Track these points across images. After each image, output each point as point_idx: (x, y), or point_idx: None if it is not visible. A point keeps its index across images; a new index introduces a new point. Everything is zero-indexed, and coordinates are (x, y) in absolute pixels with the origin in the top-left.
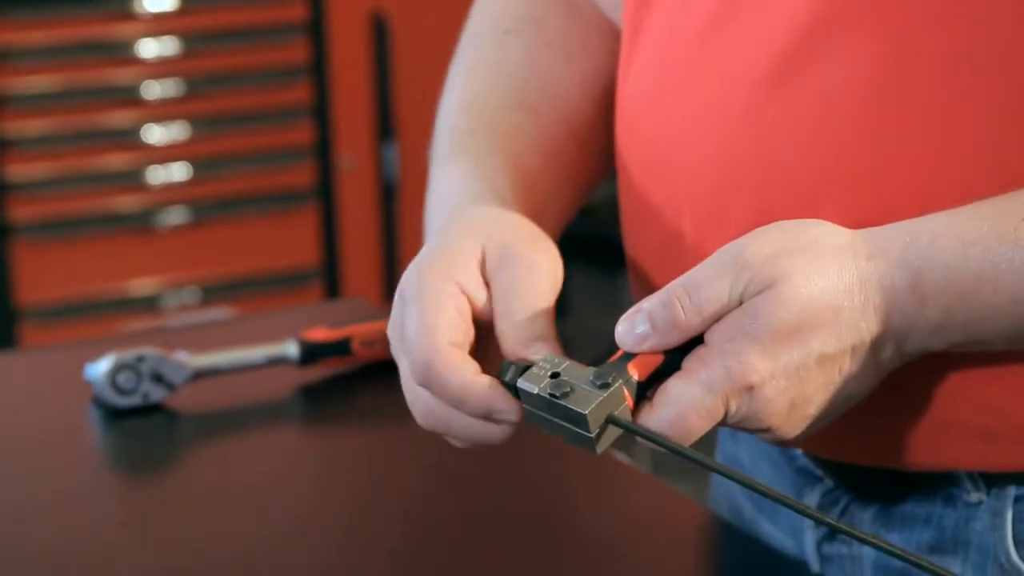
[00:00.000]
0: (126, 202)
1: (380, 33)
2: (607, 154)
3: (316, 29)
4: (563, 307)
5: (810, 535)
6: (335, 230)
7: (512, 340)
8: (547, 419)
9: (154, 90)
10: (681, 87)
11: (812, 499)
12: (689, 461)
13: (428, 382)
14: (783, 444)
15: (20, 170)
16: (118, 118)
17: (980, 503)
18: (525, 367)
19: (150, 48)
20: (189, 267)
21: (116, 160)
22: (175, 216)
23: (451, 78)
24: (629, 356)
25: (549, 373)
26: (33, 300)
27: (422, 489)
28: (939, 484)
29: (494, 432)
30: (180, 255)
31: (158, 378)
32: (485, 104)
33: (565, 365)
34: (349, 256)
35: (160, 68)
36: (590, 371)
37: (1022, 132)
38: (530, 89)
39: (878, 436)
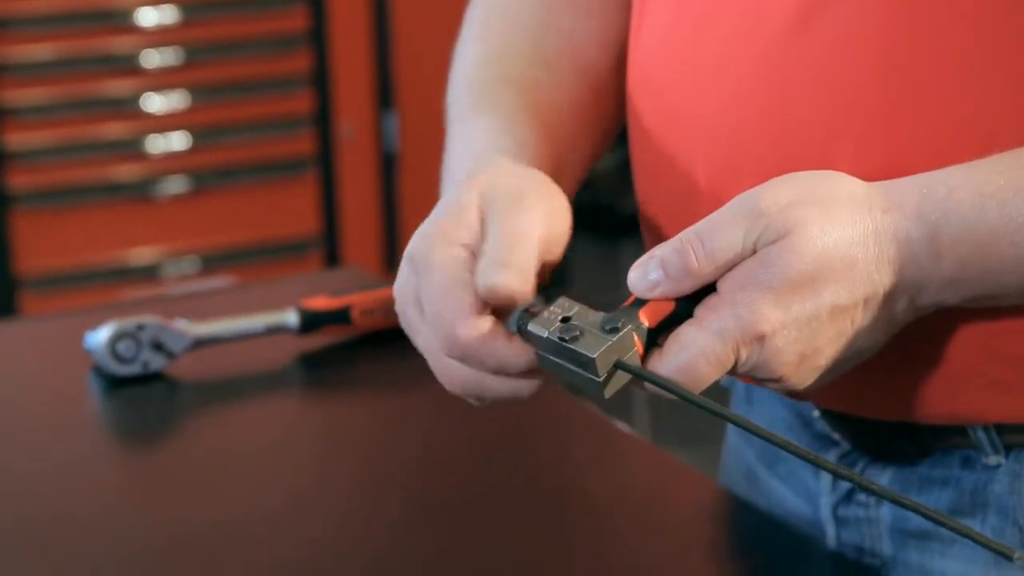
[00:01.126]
0: (125, 171)
1: (380, 1)
2: (623, 109)
3: None
4: (564, 279)
5: (826, 499)
6: (335, 199)
7: (485, 262)
8: (558, 364)
9: (153, 59)
10: (695, 37)
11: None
12: (697, 407)
13: (461, 355)
14: (797, 397)
15: (19, 139)
16: (117, 87)
17: (999, 466)
18: (533, 313)
19: (149, 16)
20: (189, 236)
21: (115, 129)
22: (175, 185)
23: (466, 29)
24: (641, 303)
25: (560, 318)
26: (33, 269)
27: (422, 459)
28: (957, 446)
29: (523, 387)
30: (180, 224)
31: (158, 346)
32: (504, 58)
33: (576, 310)
34: (349, 225)
35: (159, 36)
36: (600, 316)
37: None
38: (548, 44)
39: (892, 388)
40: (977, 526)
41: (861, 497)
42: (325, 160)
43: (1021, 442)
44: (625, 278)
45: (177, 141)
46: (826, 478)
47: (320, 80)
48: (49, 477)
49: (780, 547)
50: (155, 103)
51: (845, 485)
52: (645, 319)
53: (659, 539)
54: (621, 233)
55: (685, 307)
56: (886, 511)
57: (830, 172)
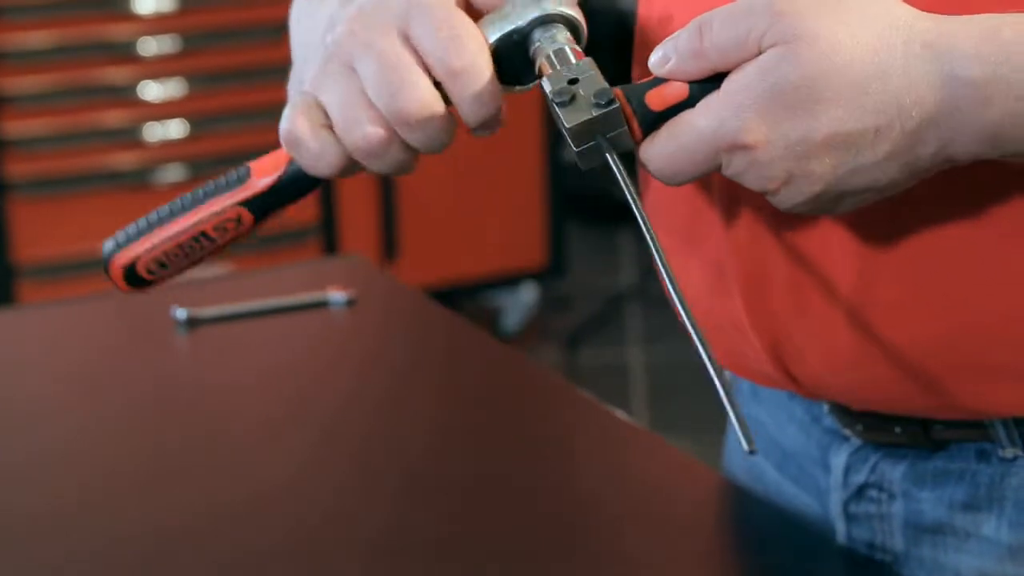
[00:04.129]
0: (123, 159)
1: None
2: None
3: None
4: (561, 265)
5: (835, 496)
6: (333, 187)
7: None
8: (559, 122)
9: (151, 46)
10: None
11: (840, 458)
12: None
13: (443, 40)
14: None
15: (17, 127)
16: (115, 74)
17: (1016, 458)
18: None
19: (147, 4)
20: None
21: (113, 117)
22: (172, 173)
23: None
24: (656, 82)
25: (568, 78)
26: (31, 257)
27: (423, 448)
28: (972, 439)
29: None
30: None
31: None
32: None
33: (589, 74)
34: (347, 212)
35: (157, 24)
36: (604, 87)
37: None
38: None
39: (912, 382)
40: (994, 520)
41: (872, 493)
42: None
43: None
44: (622, 264)
45: (175, 129)
46: (836, 475)
47: None
48: (50, 463)
49: (787, 540)
50: (153, 91)
51: (856, 481)
52: (653, 102)
53: (657, 529)
54: (616, 220)
55: (697, 97)
56: (898, 507)
57: None
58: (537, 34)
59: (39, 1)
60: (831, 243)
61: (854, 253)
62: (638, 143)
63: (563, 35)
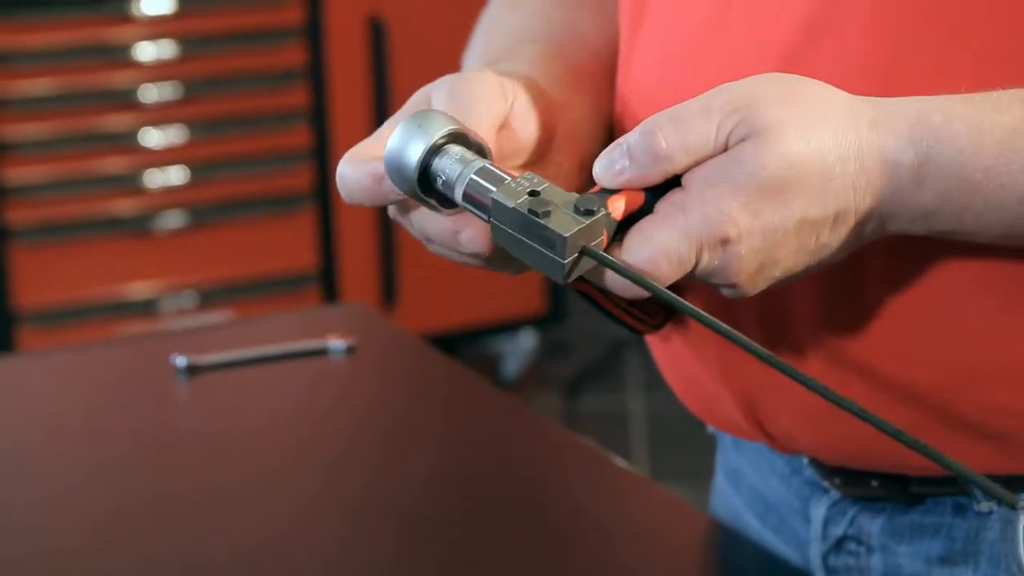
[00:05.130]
0: (124, 206)
1: (378, 37)
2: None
3: (313, 33)
4: (560, 311)
5: (815, 548)
6: (333, 234)
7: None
8: (516, 239)
9: (151, 93)
10: (681, 87)
11: (819, 510)
12: (659, 297)
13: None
14: (783, 449)
15: (18, 173)
16: (116, 121)
17: (991, 512)
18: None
19: (147, 51)
20: (187, 271)
21: (114, 164)
22: (173, 220)
23: (479, 28)
24: (608, 193)
25: (528, 190)
26: (31, 304)
27: (422, 496)
28: (949, 494)
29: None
30: (178, 259)
31: None
32: (513, 41)
33: (545, 186)
34: (347, 260)
35: (157, 71)
36: (573, 197)
37: None
38: (561, 32)
39: (881, 441)
40: (970, 574)
41: (851, 546)
42: (323, 195)
43: (1013, 489)
44: None
45: (175, 175)
46: (816, 526)
47: (318, 115)
48: (48, 510)
49: None
50: (153, 138)
51: (834, 533)
52: (613, 211)
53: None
54: None
55: (654, 202)
56: (876, 560)
57: (811, 79)
58: (439, 162)
59: (40, 49)
60: (799, 301)
61: (821, 312)
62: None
63: (470, 153)
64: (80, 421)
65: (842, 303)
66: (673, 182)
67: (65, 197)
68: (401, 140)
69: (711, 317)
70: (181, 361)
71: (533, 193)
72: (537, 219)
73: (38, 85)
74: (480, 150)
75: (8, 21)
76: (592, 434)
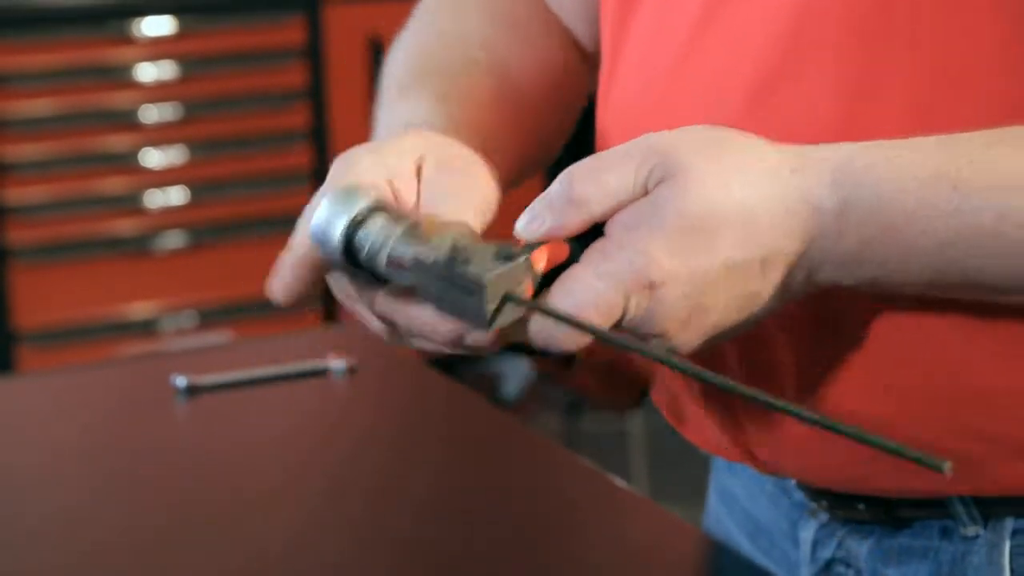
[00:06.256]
0: (124, 226)
1: (377, 57)
2: (556, 135)
3: (314, 53)
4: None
5: (805, 570)
6: None
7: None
8: (438, 290)
9: (152, 114)
10: (659, 113)
11: (808, 532)
12: (600, 339)
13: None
14: (769, 471)
15: (18, 194)
16: (116, 142)
17: (977, 536)
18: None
19: (148, 72)
20: (186, 291)
21: (114, 184)
22: (173, 240)
23: (402, 38)
24: (533, 246)
25: (449, 245)
26: (31, 324)
27: (422, 516)
28: (935, 517)
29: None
30: (177, 279)
31: None
32: (436, 57)
33: (466, 240)
34: None
35: (158, 92)
36: (493, 246)
37: None
38: (484, 53)
39: (865, 464)
40: None
41: (840, 569)
42: None
43: (999, 513)
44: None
45: (175, 196)
46: (804, 549)
47: (318, 136)
48: (47, 531)
49: None
50: (154, 158)
51: (823, 556)
52: (537, 264)
53: None
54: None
55: (578, 253)
56: None
57: (737, 131)
58: (362, 235)
59: (41, 69)
60: (778, 328)
61: (800, 337)
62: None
63: (392, 218)
64: (79, 441)
65: (820, 339)
66: (599, 233)
67: (65, 217)
68: (323, 219)
69: (637, 342)
70: (181, 381)
71: (454, 247)
72: (456, 268)
73: (39, 105)
74: (399, 215)
75: (9, 41)
76: (592, 454)
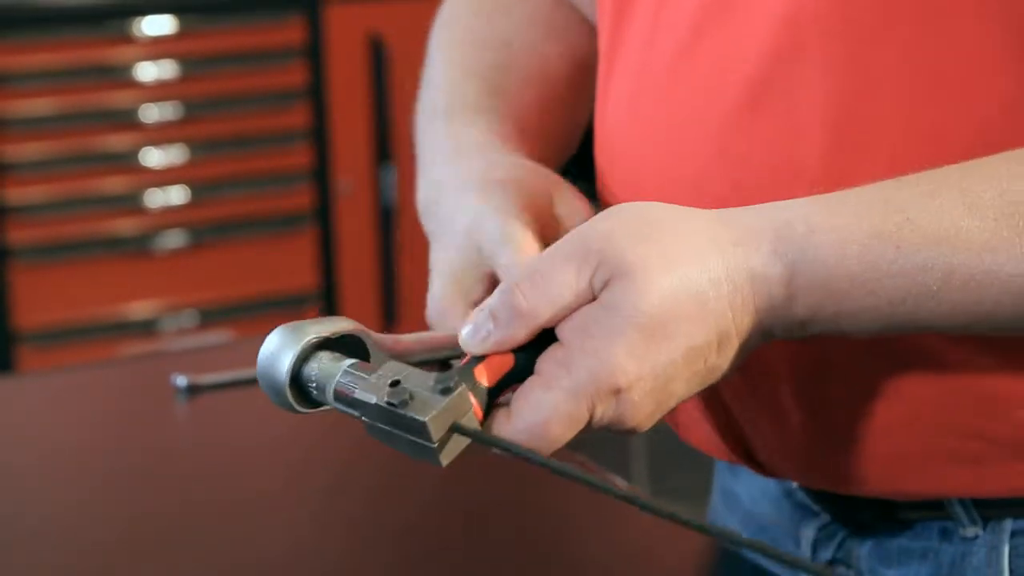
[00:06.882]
0: (124, 225)
1: (378, 56)
2: (584, 113)
3: (314, 52)
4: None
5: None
6: (333, 254)
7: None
8: (389, 433)
9: (152, 113)
10: (655, 113)
11: (809, 533)
12: (552, 471)
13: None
14: (770, 475)
15: (19, 193)
16: (116, 141)
17: (976, 537)
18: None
19: (148, 72)
20: (187, 290)
21: (114, 183)
22: (173, 239)
23: (436, 48)
24: (477, 360)
25: (388, 382)
26: (31, 324)
27: (417, 511)
28: (935, 518)
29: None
30: (178, 278)
31: None
32: (472, 64)
33: (406, 372)
34: (347, 279)
35: (158, 91)
36: (432, 377)
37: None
38: (516, 52)
39: (864, 466)
40: None
41: (840, 570)
42: (323, 215)
43: (998, 514)
44: None
45: (176, 195)
46: (805, 550)
47: (318, 135)
48: (49, 529)
49: None
50: (154, 157)
51: (824, 557)
52: (483, 378)
53: None
54: None
55: (525, 362)
56: None
57: (660, 204)
58: (307, 369)
59: (41, 69)
60: (779, 361)
61: (797, 342)
62: (482, 423)
63: (335, 355)
64: (80, 441)
65: (817, 343)
66: (548, 337)
67: (65, 217)
68: (270, 353)
69: (636, 495)
70: (181, 381)
71: (394, 383)
72: (395, 410)
73: (39, 105)
74: (353, 347)
75: (9, 41)
76: (591, 454)
